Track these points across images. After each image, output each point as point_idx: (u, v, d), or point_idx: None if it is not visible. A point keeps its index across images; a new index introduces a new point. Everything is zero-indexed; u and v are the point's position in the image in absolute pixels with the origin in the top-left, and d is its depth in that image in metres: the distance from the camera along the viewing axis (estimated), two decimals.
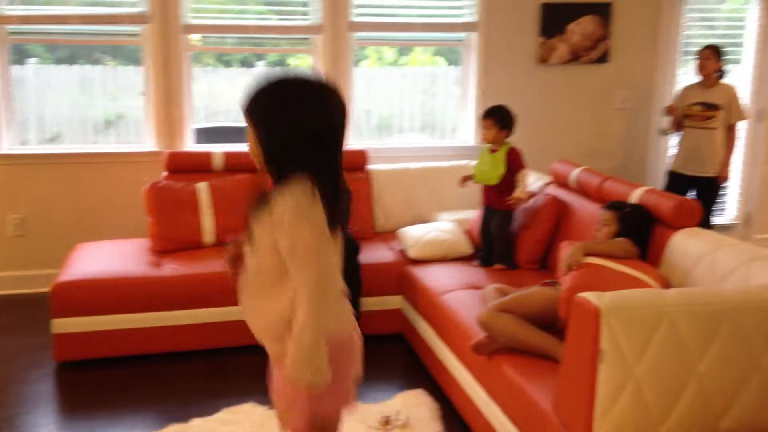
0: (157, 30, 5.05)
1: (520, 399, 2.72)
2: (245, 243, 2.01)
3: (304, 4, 5.34)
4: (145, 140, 5.30)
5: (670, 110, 5.31)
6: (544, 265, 4.10)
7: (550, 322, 3.03)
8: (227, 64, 5.90)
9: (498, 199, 4.10)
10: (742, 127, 5.58)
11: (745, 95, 5.79)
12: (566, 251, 3.13)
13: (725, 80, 5.23)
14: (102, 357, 3.99)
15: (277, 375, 2.03)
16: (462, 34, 5.61)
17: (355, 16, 5.35)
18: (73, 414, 3.52)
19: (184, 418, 3.33)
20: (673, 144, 5.67)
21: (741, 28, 6.12)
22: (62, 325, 3.90)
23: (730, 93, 5.16)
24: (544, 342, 2.90)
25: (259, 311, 1.99)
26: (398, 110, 5.75)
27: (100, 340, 3.95)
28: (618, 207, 3.39)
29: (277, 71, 1.95)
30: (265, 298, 1.95)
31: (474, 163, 4.31)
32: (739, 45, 6.10)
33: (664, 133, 5.80)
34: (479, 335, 3.10)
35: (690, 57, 5.71)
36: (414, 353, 4.05)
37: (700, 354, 2.26)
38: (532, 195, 4.23)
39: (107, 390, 3.72)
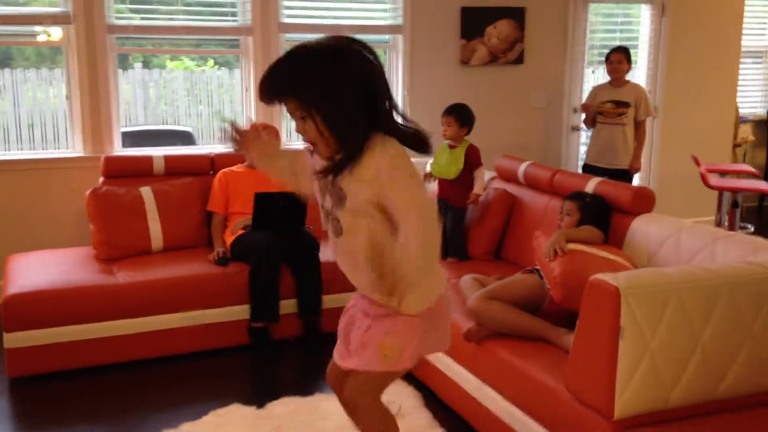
0: (80, 31, 4.87)
1: (521, 380, 2.85)
2: (334, 208, 2.10)
3: (233, 5, 5.29)
4: (69, 145, 5.09)
5: (584, 108, 5.65)
6: (498, 255, 4.29)
7: (535, 307, 3.20)
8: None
9: (454, 194, 4.24)
10: None
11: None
12: (545, 239, 3.30)
13: (632, 79, 5.63)
14: (60, 370, 3.81)
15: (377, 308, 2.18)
16: (387, 36, 5.74)
17: (285, 18, 5.36)
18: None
19: (173, 424, 3.24)
20: (584, 140, 6.03)
21: (636, 31, 6.60)
22: (15, 339, 3.71)
23: (639, 91, 5.55)
24: (535, 325, 3.06)
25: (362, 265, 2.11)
26: None
27: (56, 352, 3.78)
28: (579, 197, 3.60)
29: (298, 46, 1.94)
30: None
31: (430, 161, 4.45)
32: (635, 47, 6.57)
33: (578, 129, 6.17)
34: (464, 324, 3.23)
35: (598, 59, 6.09)
36: None
37: (703, 325, 2.48)
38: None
39: (69, 404, 3.56)
